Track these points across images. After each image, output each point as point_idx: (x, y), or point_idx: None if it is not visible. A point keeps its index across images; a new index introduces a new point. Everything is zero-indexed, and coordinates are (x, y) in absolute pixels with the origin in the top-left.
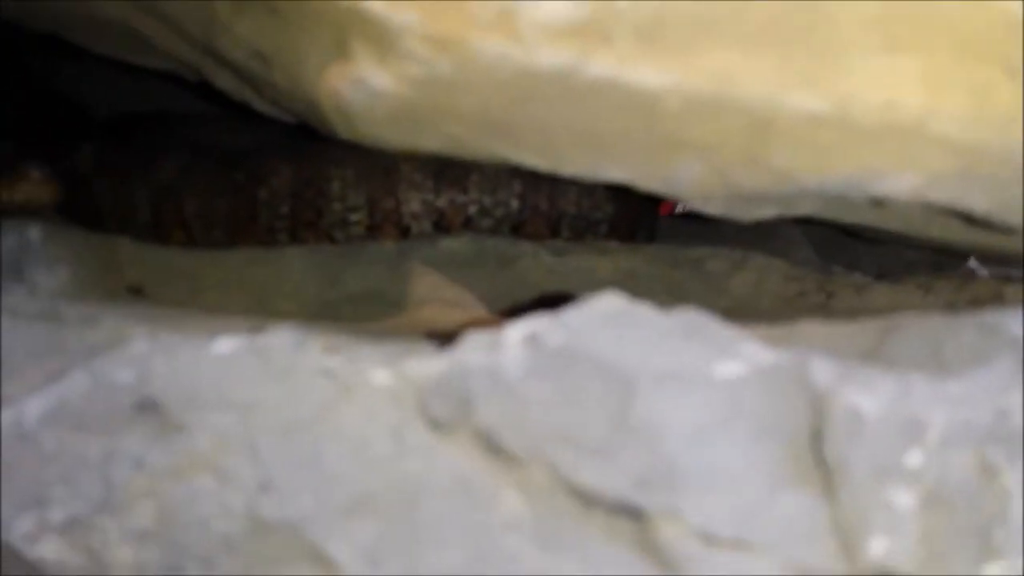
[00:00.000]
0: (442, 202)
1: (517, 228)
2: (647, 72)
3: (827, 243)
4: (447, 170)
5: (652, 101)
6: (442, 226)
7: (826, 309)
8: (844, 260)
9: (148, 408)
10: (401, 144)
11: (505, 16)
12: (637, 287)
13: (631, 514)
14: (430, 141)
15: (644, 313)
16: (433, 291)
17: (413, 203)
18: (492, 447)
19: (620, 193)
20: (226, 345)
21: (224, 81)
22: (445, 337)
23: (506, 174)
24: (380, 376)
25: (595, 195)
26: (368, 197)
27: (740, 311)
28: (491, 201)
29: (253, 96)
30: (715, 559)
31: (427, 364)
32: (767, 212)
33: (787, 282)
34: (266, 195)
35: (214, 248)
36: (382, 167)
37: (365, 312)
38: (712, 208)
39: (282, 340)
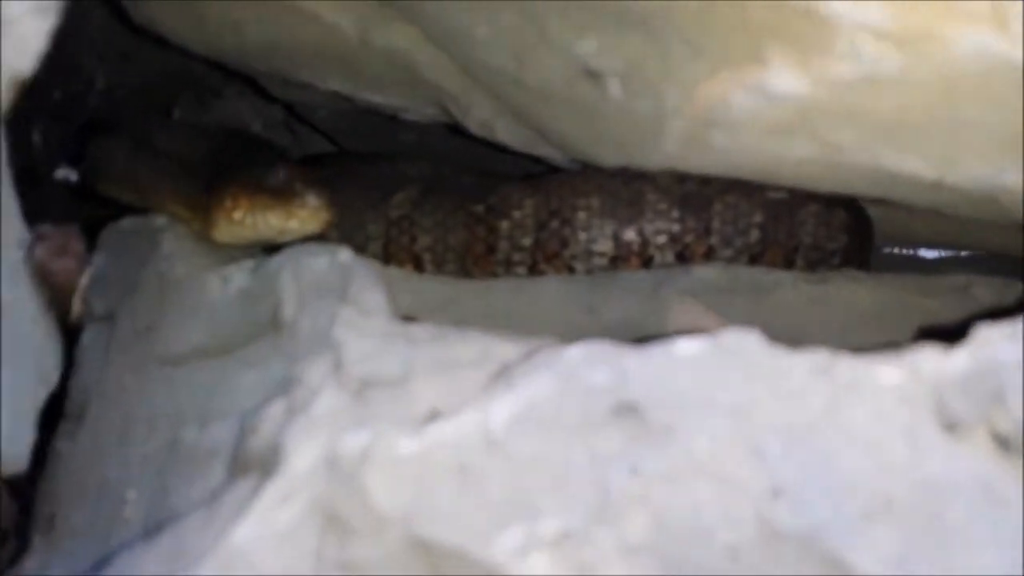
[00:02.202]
0: (686, 232)
1: (755, 259)
2: None
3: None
4: (691, 199)
5: None
6: (684, 256)
7: None
8: None
9: (627, 412)
10: (758, 156)
11: (999, 5)
12: (897, 316)
13: None
14: (800, 151)
15: None
16: (690, 321)
17: (658, 234)
18: (1014, 447)
19: (853, 222)
20: (689, 347)
21: (480, 111)
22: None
23: (747, 204)
24: (889, 375)
25: (831, 224)
26: (614, 228)
27: None
28: (733, 231)
29: (513, 128)
30: None
31: (945, 361)
32: None
33: None
34: (508, 228)
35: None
36: (626, 197)
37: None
38: None
39: (747, 339)
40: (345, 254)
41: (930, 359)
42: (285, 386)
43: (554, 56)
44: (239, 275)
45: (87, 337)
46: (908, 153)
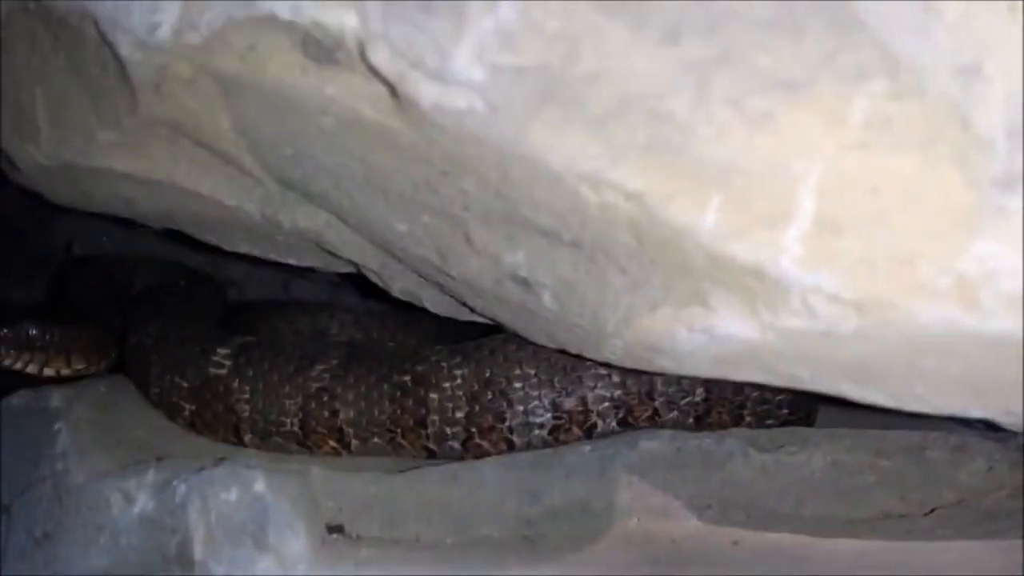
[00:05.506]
0: (629, 396)
1: (700, 419)
2: None
3: None
4: None
5: None
6: (627, 421)
7: None
8: None
9: None
10: (707, 374)
11: (966, 286)
12: (851, 481)
13: None
14: (752, 376)
15: None
16: (638, 499)
17: (600, 401)
18: None
19: None
20: None
21: (403, 282)
22: None
23: None
24: None
25: None
26: (553, 397)
27: (971, 505)
28: (677, 390)
29: (439, 298)
30: None
31: None
32: None
33: (1015, 469)
34: (439, 400)
35: (367, 455)
36: (564, 363)
37: (569, 527)
38: None
39: None
40: (259, 484)
41: None
42: None
43: (481, 259)
44: (142, 496)
45: None
46: (868, 387)
